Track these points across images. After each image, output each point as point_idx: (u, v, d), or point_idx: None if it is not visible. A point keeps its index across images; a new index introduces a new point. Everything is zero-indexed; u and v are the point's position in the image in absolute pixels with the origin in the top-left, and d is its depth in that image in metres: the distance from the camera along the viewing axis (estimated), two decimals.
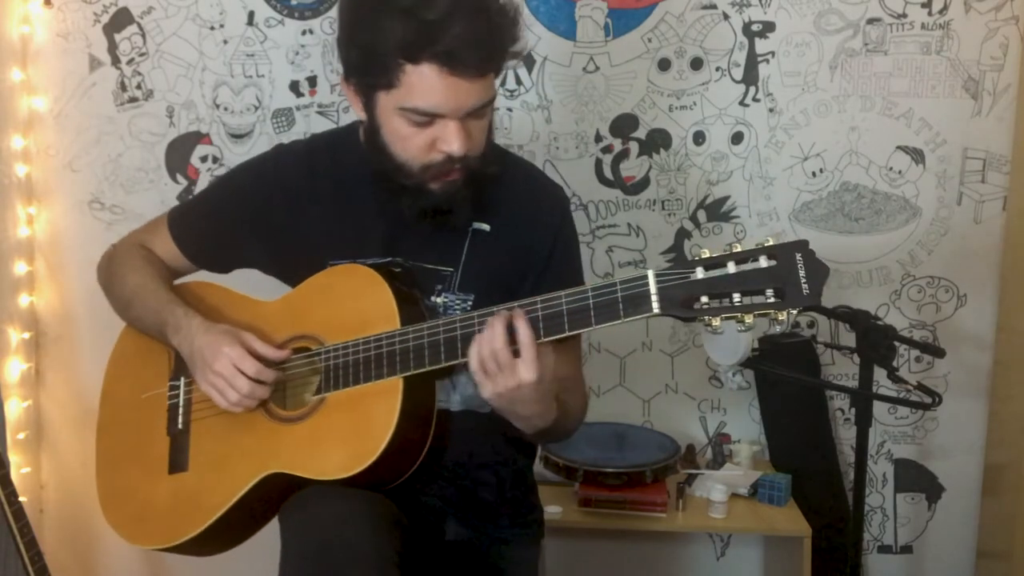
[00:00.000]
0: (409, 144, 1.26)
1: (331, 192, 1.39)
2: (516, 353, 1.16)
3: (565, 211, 1.45)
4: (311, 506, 1.23)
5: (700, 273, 1.12)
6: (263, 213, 1.42)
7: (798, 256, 1.08)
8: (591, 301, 1.16)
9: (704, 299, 1.11)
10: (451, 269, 1.36)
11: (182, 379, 1.45)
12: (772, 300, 1.08)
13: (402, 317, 1.28)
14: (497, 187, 1.35)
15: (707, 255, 1.12)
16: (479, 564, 1.42)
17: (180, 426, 1.43)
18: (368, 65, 1.23)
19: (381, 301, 1.29)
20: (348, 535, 1.18)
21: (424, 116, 1.22)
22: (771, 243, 1.10)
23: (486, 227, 1.36)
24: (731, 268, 1.11)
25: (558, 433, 1.38)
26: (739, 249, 1.11)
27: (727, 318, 1.11)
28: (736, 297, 1.10)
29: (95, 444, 1.53)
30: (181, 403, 1.44)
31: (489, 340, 1.17)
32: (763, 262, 1.09)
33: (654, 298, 1.13)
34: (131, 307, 1.47)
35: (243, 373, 1.30)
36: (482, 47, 1.19)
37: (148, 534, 1.41)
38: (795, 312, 1.09)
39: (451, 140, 1.23)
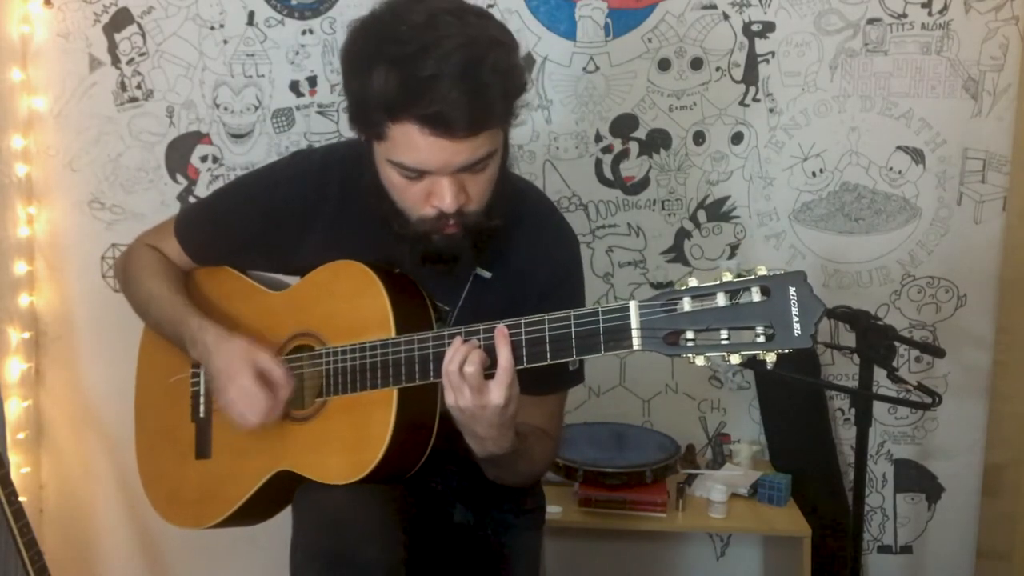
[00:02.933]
0: (404, 195, 1.23)
1: (334, 217, 1.38)
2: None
3: (571, 269, 1.40)
4: (323, 487, 1.28)
5: (687, 305, 1.07)
6: (267, 228, 1.42)
7: (792, 291, 1.03)
8: (573, 330, 1.14)
9: (689, 335, 1.06)
10: (448, 308, 1.36)
11: (203, 368, 1.48)
12: (761, 340, 1.03)
13: (397, 323, 1.27)
14: (504, 236, 1.32)
15: (695, 284, 1.07)
16: (483, 546, 1.46)
17: (202, 414, 1.49)
18: (358, 114, 1.21)
19: (376, 306, 1.28)
20: (359, 513, 1.24)
21: (411, 170, 1.18)
22: (764, 272, 1.05)
23: (487, 275, 1.34)
24: (720, 301, 1.05)
25: (511, 470, 1.35)
26: (729, 278, 1.06)
27: (712, 357, 1.06)
28: (723, 334, 1.05)
29: (134, 422, 1.60)
30: (202, 392, 1.48)
31: (464, 356, 1.16)
32: (755, 295, 1.04)
33: (635, 333, 1.09)
34: (149, 313, 1.50)
35: (255, 407, 1.32)
36: (470, 110, 1.12)
37: (181, 516, 1.50)
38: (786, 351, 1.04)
39: (443, 196, 1.19)
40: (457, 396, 1.18)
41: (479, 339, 1.18)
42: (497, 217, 1.26)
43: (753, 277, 1.05)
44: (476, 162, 1.19)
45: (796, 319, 1.03)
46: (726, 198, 2.26)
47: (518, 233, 1.35)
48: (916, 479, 2.33)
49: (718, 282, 1.06)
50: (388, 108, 1.14)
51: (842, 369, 2.28)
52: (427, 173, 1.19)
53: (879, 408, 2.19)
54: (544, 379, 1.29)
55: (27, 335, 2.35)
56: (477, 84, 1.12)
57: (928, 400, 1.82)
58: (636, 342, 1.10)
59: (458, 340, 1.19)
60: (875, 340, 1.81)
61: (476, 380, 1.16)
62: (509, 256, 1.35)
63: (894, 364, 1.83)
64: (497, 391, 1.16)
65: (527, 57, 1.25)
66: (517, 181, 1.43)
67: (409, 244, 1.27)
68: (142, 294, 1.50)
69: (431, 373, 1.22)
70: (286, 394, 1.33)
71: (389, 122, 1.15)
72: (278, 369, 1.33)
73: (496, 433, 1.21)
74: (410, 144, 1.15)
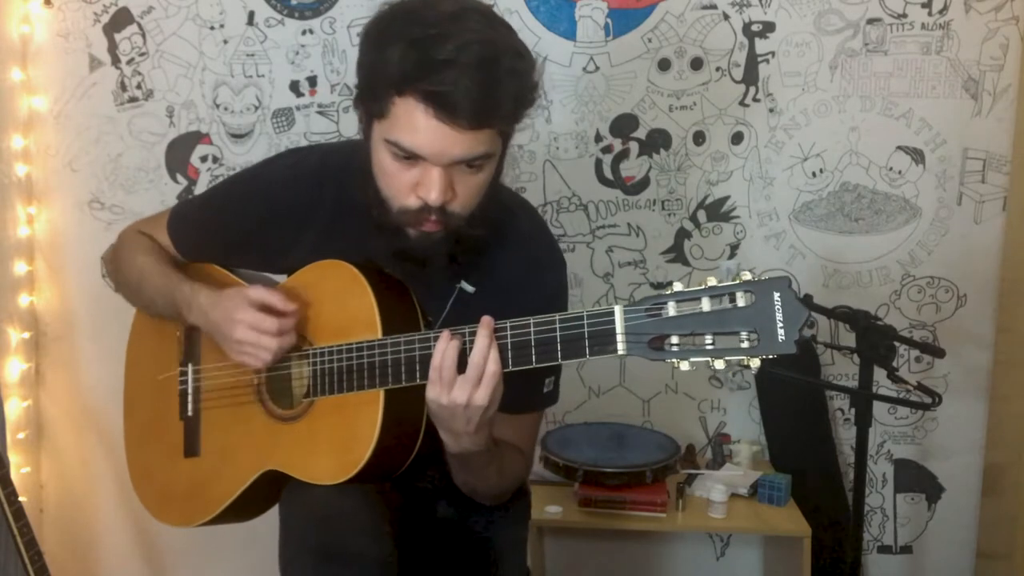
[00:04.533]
0: (392, 181, 1.22)
1: (328, 222, 1.38)
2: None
3: (556, 294, 1.38)
4: (311, 485, 1.29)
5: (672, 310, 1.07)
6: (262, 228, 1.41)
7: (776, 296, 1.03)
8: (558, 334, 1.14)
9: (674, 339, 1.07)
10: (431, 320, 1.35)
11: (190, 366, 1.49)
12: (745, 345, 1.04)
13: (384, 324, 1.27)
14: (492, 252, 1.31)
15: (680, 288, 1.07)
16: (469, 540, 1.47)
17: (191, 412, 1.48)
18: (366, 89, 1.21)
19: (363, 306, 1.28)
20: (347, 508, 1.25)
21: (406, 153, 1.17)
22: (749, 278, 1.05)
23: (471, 289, 1.33)
24: (705, 305, 1.06)
25: (483, 475, 1.34)
26: (715, 283, 1.06)
27: (696, 362, 1.06)
28: (708, 339, 1.05)
29: (123, 418, 1.60)
30: (190, 390, 1.48)
31: (456, 352, 1.17)
32: (740, 300, 1.05)
33: (619, 338, 1.10)
34: (141, 290, 1.49)
35: (266, 331, 1.30)
36: (477, 101, 1.12)
37: (170, 514, 1.50)
38: (771, 357, 1.04)
39: (430, 187, 1.18)
40: (442, 392, 1.18)
41: (465, 341, 1.18)
42: (479, 227, 1.25)
43: (738, 282, 1.05)
44: (472, 159, 1.18)
45: (780, 325, 1.03)
46: (726, 198, 2.26)
47: (506, 251, 1.34)
48: (916, 479, 2.33)
49: (703, 287, 1.07)
50: (397, 81, 1.14)
51: (842, 369, 2.28)
52: (420, 159, 1.18)
53: (879, 408, 2.19)
54: (520, 398, 1.30)
55: (27, 335, 2.35)
56: (490, 79, 1.13)
57: (928, 400, 1.82)
58: (621, 346, 1.10)
59: (446, 334, 1.18)
60: (875, 340, 1.81)
61: (470, 383, 1.16)
62: (494, 273, 1.34)
63: (894, 364, 1.83)
64: (482, 394, 1.16)
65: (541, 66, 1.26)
66: (510, 198, 1.42)
67: (386, 238, 1.26)
68: (134, 271, 1.49)
69: (418, 375, 1.22)
70: (293, 314, 1.31)
71: (395, 96, 1.15)
72: (275, 294, 1.31)
73: (473, 430, 1.21)
74: (411, 124, 1.15)
